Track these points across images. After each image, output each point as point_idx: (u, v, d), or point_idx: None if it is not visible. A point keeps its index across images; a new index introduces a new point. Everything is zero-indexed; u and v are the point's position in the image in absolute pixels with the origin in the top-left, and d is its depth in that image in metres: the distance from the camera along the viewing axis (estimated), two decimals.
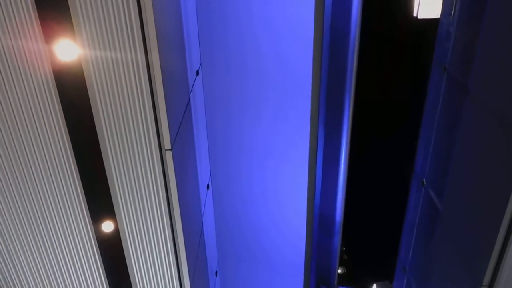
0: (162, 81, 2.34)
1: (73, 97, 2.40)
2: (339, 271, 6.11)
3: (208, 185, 4.23)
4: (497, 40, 2.90)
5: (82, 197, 2.73)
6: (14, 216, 2.80)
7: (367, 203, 5.75)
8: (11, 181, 2.66)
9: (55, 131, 2.49)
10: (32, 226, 2.85)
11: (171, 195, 2.71)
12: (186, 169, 3.07)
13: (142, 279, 3.10)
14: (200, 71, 3.69)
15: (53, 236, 2.90)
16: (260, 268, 4.95)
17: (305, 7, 3.38)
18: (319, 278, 6.15)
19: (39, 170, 2.62)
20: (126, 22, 2.19)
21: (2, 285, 3.13)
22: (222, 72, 3.73)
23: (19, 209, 2.77)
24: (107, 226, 2.85)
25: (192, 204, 3.39)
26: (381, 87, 5.12)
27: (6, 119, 2.43)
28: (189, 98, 3.22)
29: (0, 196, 2.71)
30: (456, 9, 3.56)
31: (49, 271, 3.08)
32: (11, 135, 2.49)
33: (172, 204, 2.75)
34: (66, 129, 2.49)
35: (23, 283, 3.13)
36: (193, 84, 3.42)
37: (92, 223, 2.84)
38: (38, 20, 2.17)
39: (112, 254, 3.00)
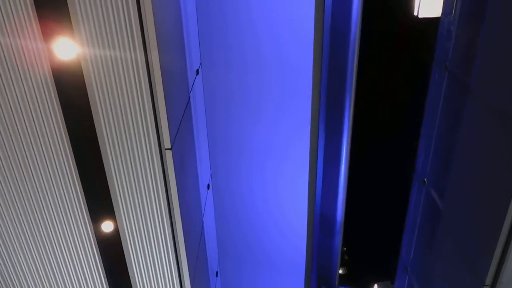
0: (162, 80, 2.33)
1: (72, 96, 2.39)
2: (340, 271, 6.10)
3: (208, 185, 4.22)
4: (498, 39, 2.89)
5: (82, 197, 2.72)
6: (13, 216, 2.79)
7: (368, 203, 5.73)
8: (10, 181, 2.65)
9: (54, 130, 2.48)
10: (32, 227, 2.84)
11: (171, 195, 2.70)
12: (186, 169, 3.06)
13: (142, 279, 3.09)
14: (200, 70, 3.69)
15: (53, 236, 2.89)
16: (261, 269, 4.94)
17: (305, 7, 3.37)
18: (320, 279, 6.14)
19: (38, 170, 2.61)
20: (125, 20, 2.18)
21: (2, 285, 3.12)
22: (222, 72, 3.72)
23: (19, 209, 2.76)
24: (107, 226, 2.84)
25: (192, 204, 3.38)
26: (382, 86, 5.11)
27: (5, 118, 2.42)
28: (189, 98, 3.21)
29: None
30: (457, 8, 3.55)
31: (49, 271, 3.07)
32: (10, 135, 2.48)
33: (172, 204, 2.74)
34: (65, 128, 2.48)
35: (23, 283, 3.12)
36: (193, 83, 3.41)
37: (92, 223, 2.83)
38: (37, 18, 2.16)
39: (112, 254, 2.99)
